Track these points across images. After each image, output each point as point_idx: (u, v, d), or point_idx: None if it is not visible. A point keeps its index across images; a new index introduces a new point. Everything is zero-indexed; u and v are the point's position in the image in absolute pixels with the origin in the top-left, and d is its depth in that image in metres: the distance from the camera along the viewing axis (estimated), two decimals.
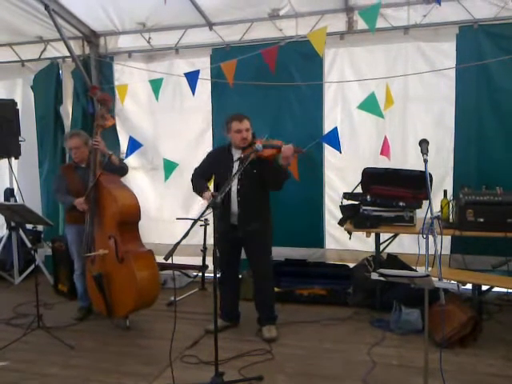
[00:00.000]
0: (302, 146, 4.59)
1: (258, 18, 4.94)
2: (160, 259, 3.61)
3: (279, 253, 4.80)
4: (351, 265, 4.86)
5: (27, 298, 4.63)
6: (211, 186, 4.01)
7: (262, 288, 3.95)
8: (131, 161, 5.36)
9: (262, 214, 3.83)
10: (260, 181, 3.73)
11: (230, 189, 3.72)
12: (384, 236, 4.44)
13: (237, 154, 3.75)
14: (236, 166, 3.69)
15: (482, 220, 3.94)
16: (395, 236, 4.49)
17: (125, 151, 5.35)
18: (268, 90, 4.85)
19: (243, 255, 4.01)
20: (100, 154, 4.05)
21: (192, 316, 4.32)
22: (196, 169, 4.02)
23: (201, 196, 3.80)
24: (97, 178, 3.98)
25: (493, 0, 4.35)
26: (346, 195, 4.55)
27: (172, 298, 4.56)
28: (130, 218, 4.02)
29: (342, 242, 4.96)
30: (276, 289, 4.40)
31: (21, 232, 5.44)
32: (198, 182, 3.90)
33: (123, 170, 4.28)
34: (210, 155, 4.06)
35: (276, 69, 4.56)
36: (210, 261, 4.98)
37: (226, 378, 3.04)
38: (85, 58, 5.55)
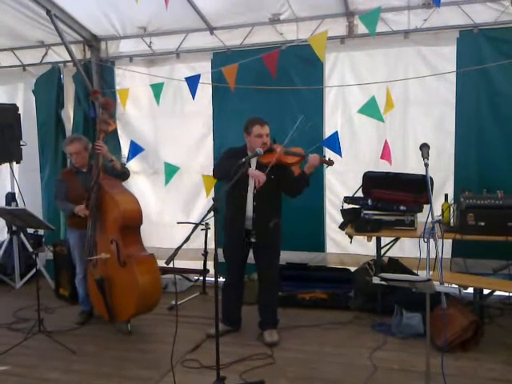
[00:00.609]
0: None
1: (259, 23, 4.96)
2: (161, 263, 3.62)
3: (280, 257, 4.78)
4: (352, 269, 4.86)
5: (28, 302, 4.64)
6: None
7: (268, 292, 3.96)
8: (132, 165, 5.38)
9: (276, 218, 3.84)
10: (276, 186, 3.74)
11: (246, 193, 3.72)
12: (385, 240, 4.45)
13: (252, 160, 3.68)
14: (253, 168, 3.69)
15: (482, 224, 3.94)
16: (396, 240, 4.49)
17: (126, 155, 5.36)
18: (269, 94, 4.85)
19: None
20: (102, 158, 4.06)
21: (193, 320, 4.32)
22: (216, 166, 3.99)
23: (239, 174, 3.24)
24: (97, 182, 3.98)
25: (493, 5, 4.37)
26: (347, 199, 4.56)
27: (173, 302, 4.55)
28: (132, 223, 4.03)
29: (343, 245, 4.96)
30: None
31: (22, 236, 5.45)
32: (230, 165, 3.44)
33: (124, 174, 4.28)
34: (228, 153, 3.91)
35: (277, 73, 4.57)
36: (210, 265, 4.97)
37: (228, 383, 3.03)
38: (86, 62, 5.57)
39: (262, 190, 3.66)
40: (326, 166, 3.94)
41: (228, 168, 3.49)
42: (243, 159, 3.49)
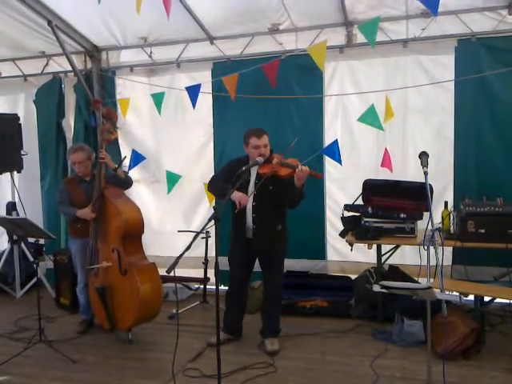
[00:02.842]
0: (303, 158, 4.64)
1: (259, 33, 4.99)
2: (162, 271, 3.62)
3: None
4: (353, 276, 4.86)
5: (29, 311, 4.65)
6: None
7: (269, 299, 3.97)
8: (133, 174, 5.39)
9: (277, 230, 3.83)
10: (276, 198, 3.73)
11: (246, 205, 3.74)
12: (385, 247, 4.45)
13: (255, 169, 3.74)
14: (252, 182, 3.72)
15: (482, 231, 3.95)
16: (397, 247, 4.49)
17: (127, 164, 5.38)
18: (269, 103, 4.89)
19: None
20: (105, 167, 4.08)
21: (194, 329, 4.31)
22: (213, 177, 4.04)
23: (227, 198, 3.46)
24: (102, 190, 4.01)
25: (490, 14, 4.40)
26: (347, 207, 4.57)
27: (174, 311, 4.55)
28: (134, 232, 4.04)
29: (344, 253, 4.96)
30: None
31: (23, 245, 5.45)
32: (221, 185, 3.80)
33: (127, 183, 4.31)
34: (229, 166, 3.96)
35: (276, 82, 4.60)
36: (211, 273, 4.97)
37: None
38: (87, 72, 5.61)
39: (261, 201, 3.71)
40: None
41: (220, 190, 3.80)
42: (243, 168, 3.52)
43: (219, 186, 3.85)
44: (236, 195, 3.63)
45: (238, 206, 3.61)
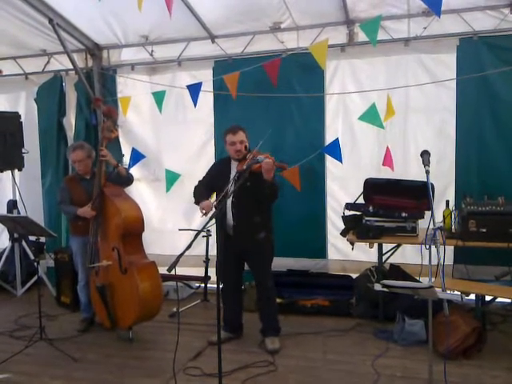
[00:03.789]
0: (304, 157, 4.66)
1: (260, 31, 4.99)
2: (162, 270, 3.62)
3: (282, 264, 4.80)
4: (354, 275, 4.85)
5: (29, 309, 4.65)
6: (213, 197, 4.01)
7: (262, 298, 3.97)
8: (133, 172, 5.37)
9: (259, 226, 3.82)
10: (255, 194, 3.71)
11: (226, 201, 3.74)
12: (387, 246, 4.45)
13: (235, 166, 3.78)
14: (231, 179, 3.70)
15: (484, 230, 3.94)
16: (398, 246, 4.49)
17: (127, 162, 5.37)
18: (270, 101, 4.88)
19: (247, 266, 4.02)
20: (105, 164, 4.07)
21: (195, 327, 4.30)
22: (199, 181, 4.08)
23: (198, 204, 3.81)
24: (102, 188, 4.01)
25: (492, 12, 4.39)
26: (348, 206, 4.56)
27: (174, 310, 4.55)
28: (134, 230, 4.04)
29: (345, 252, 4.96)
30: (278, 300, 4.40)
31: (23, 243, 5.45)
32: (198, 191, 3.95)
33: (129, 180, 4.31)
34: (212, 168, 4.11)
35: (278, 81, 4.59)
36: (212, 272, 4.98)
37: None
38: (88, 70, 5.61)
39: (239, 197, 3.70)
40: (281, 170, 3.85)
41: (196, 197, 3.89)
42: (244, 166, 3.51)
43: (197, 192, 3.95)
44: (201, 204, 3.73)
45: (202, 213, 3.68)
